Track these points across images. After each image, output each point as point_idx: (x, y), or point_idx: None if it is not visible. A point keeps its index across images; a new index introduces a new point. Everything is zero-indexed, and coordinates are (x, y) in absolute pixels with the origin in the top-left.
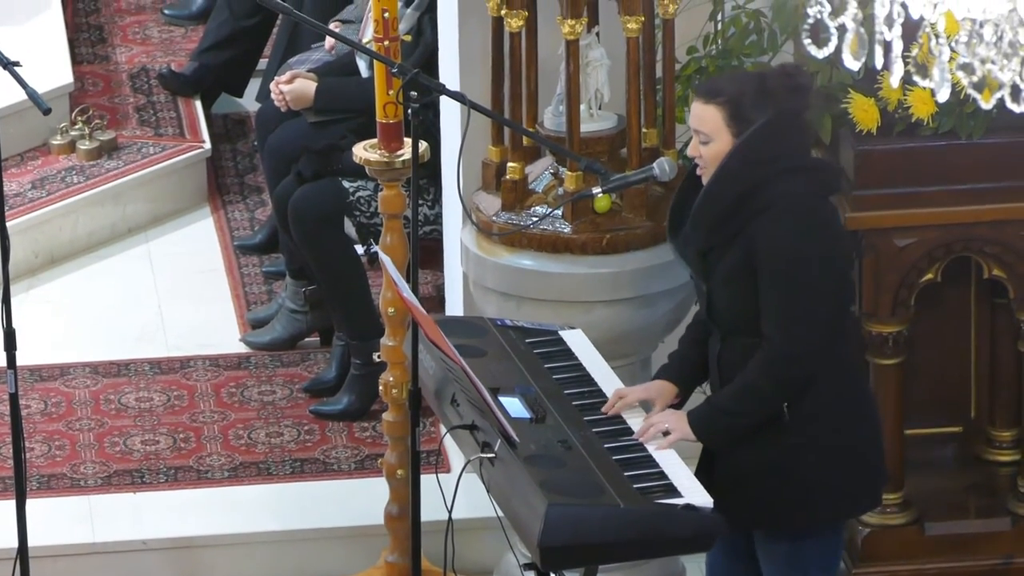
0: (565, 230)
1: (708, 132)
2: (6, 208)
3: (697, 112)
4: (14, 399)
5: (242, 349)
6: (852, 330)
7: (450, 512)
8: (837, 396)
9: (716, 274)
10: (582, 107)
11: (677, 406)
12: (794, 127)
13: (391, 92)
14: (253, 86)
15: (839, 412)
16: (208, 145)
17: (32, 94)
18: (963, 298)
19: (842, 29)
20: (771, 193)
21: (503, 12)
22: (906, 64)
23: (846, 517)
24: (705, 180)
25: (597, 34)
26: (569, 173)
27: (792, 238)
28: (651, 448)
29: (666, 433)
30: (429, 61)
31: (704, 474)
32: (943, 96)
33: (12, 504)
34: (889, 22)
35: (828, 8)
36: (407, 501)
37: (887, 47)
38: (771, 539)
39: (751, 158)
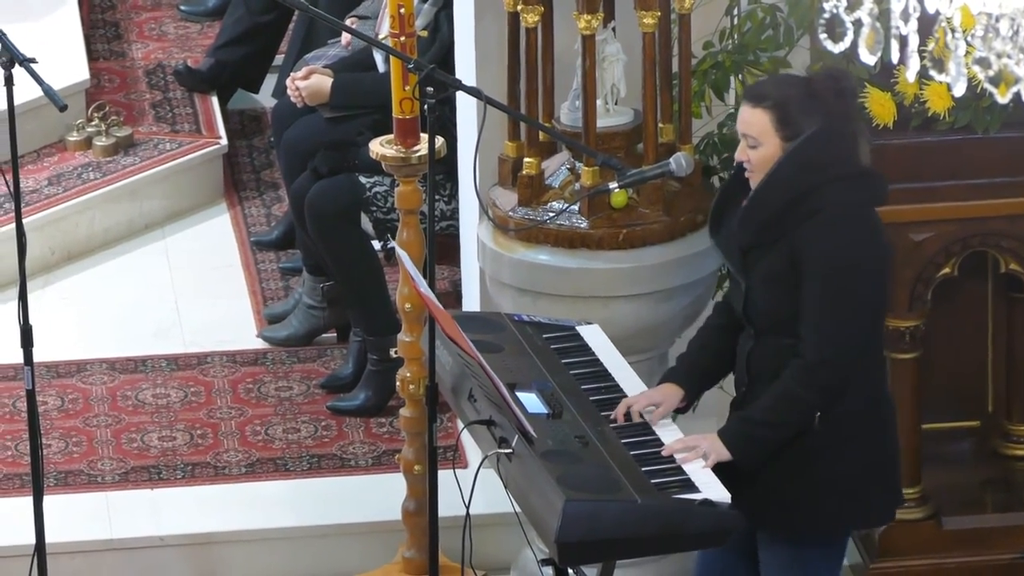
0: (582, 225)
1: (756, 136)
2: (23, 204)
3: (744, 116)
4: (31, 395)
5: (259, 345)
6: (881, 341)
7: (467, 508)
8: (863, 405)
9: (756, 272)
10: (598, 102)
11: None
12: (844, 134)
13: (407, 88)
14: (269, 82)
15: (861, 421)
16: (224, 141)
17: (48, 91)
18: (980, 292)
19: (858, 23)
20: (820, 200)
21: (519, 8)
22: (922, 58)
23: (855, 527)
24: (754, 183)
25: (613, 29)
26: (585, 168)
27: (839, 246)
28: (688, 467)
29: (705, 456)
30: (445, 57)
31: (722, 475)
32: (959, 90)
33: (29, 500)
34: (905, 16)
35: (844, 3)
36: (424, 497)
37: (903, 41)
38: (775, 540)
39: (803, 165)
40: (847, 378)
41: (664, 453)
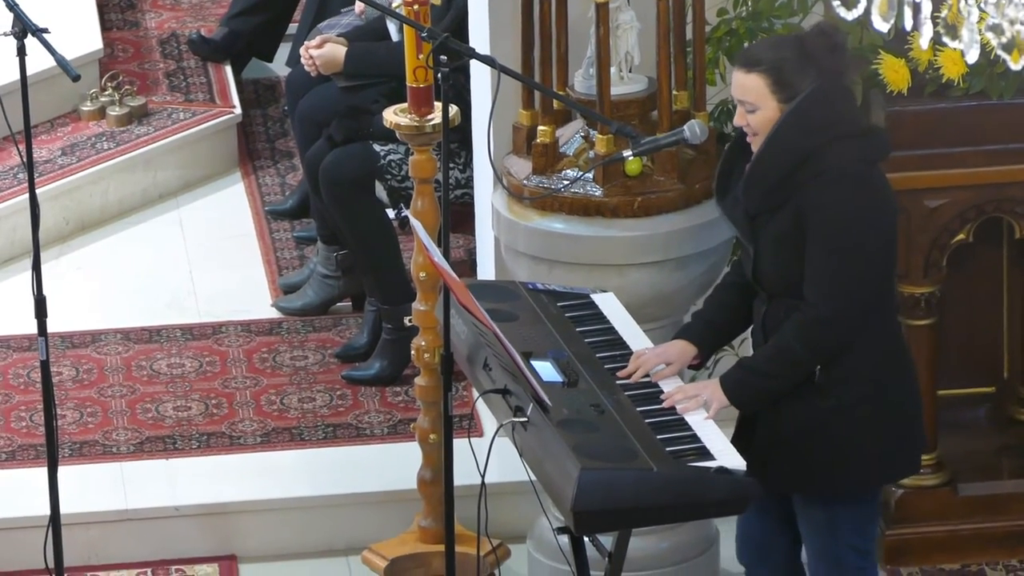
0: (596, 193)
1: (753, 101)
2: (36, 175)
3: (739, 82)
4: (45, 366)
5: (274, 314)
6: (894, 296)
7: (483, 476)
8: (877, 362)
9: (763, 237)
10: (612, 70)
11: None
12: (841, 93)
13: (421, 56)
14: (283, 51)
15: (878, 378)
16: (239, 110)
17: (61, 61)
18: (995, 259)
19: None
20: (823, 161)
21: None
22: (935, 25)
23: (882, 483)
24: (755, 147)
25: None
26: (600, 136)
27: (842, 206)
28: (690, 416)
29: (707, 405)
30: (460, 25)
31: (742, 437)
32: (973, 57)
33: (44, 471)
34: None
35: None
36: (440, 466)
37: (916, 8)
38: (807, 503)
39: (803, 127)
40: (846, 338)
41: (666, 403)
